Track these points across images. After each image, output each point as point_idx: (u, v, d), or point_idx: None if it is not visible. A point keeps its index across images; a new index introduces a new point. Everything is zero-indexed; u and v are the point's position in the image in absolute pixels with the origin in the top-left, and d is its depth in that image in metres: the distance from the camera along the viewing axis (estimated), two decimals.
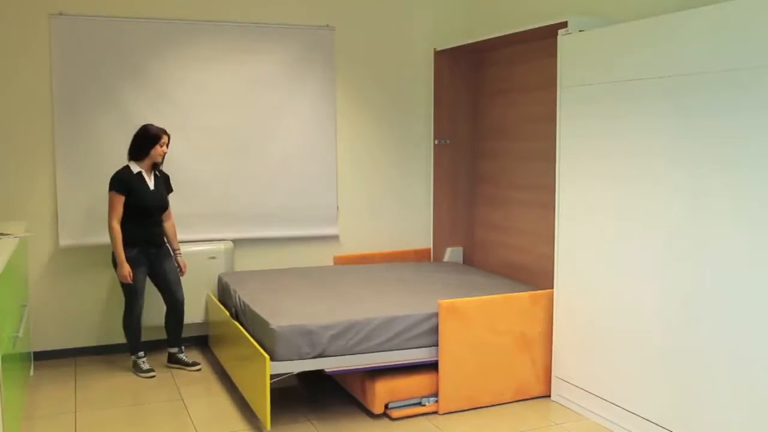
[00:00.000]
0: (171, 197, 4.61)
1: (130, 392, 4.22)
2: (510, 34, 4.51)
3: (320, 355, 3.65)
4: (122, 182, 4.31)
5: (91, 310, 4.94)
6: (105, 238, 4.82)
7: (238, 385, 4.14)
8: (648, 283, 3.44)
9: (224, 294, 4.62)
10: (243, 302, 4.14)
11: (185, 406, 4.03)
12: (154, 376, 4.44)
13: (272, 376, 3.56)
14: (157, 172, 4.49)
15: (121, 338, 5.00)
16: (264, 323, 3.68)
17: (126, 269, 4.30)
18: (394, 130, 5.61)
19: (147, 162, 4.41)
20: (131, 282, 4.34)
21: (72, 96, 4.73)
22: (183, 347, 4.70)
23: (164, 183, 4.55)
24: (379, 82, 5.53)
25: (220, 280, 4.78)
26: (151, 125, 4.43)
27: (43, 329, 4.83)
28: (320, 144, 5.33)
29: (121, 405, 4.04)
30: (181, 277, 4.61)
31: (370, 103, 5.52)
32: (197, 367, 4.61)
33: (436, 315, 3.87)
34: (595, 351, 3.79)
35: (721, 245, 3.07)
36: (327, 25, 5.32)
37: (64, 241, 4.76)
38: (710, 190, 3.11)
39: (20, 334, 3.51)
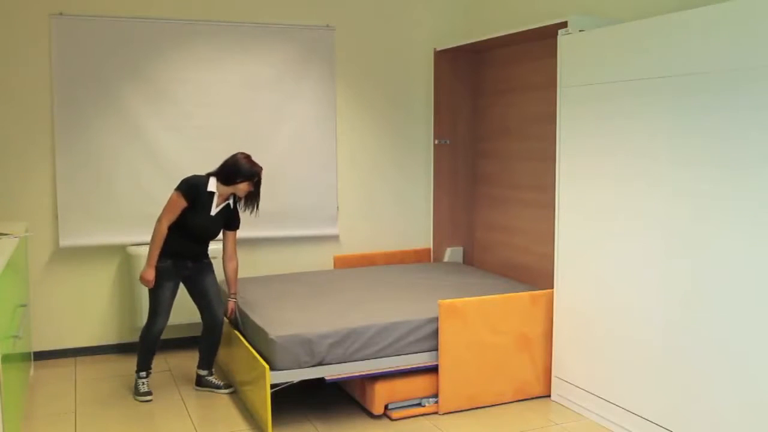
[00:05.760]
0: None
1: (130, 392, 4.22)
2: (510, 34, 4.51)
3: (320, 364, 3.65)
4: (192, 190, 3.95)
5: (91, 310, 4.94)
6: (105, 238, 4.83)
7: (239, 391, 4.15)
8: (648, 283, 3.44)
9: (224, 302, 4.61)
10: (242, 311, 4.14)
11: (185, 406, 4.03)
12: (150, 401, 4.07)
13: (272, 386, 3.56)
14: (230, 203, 4.09)
15: (121, 338, 5.02)
16: (263, 333, 3.68)
17: (150, 273, 3.94)
18: (394, 130, 5.61)
19: (229, 190, 4.03)
20: (152, 288, 4.00)
21: (72, 96, 4.73)
22: (213, 369, 4.32)
23: (230, 215, 4.13)
24: (379, 82, 5.53)
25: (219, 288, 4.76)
26: (246, 159, 4.00)
27: (43, 329, 4.83)
28: (320, 144, 5.33)
29: (121, 405, 4.04)
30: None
31: (370, 103, 5.53)
32: (231, 389, 4.22)
33: (435, 320, 3.87)
34: (595, 351, 3.79)
35: (721, 245, 3.07)
36: (327, 25, 5.32)
37: (64, 241, 4.76)
38: (710, 190, 3.11)
39: (20, 334, 3.51)
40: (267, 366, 3.53)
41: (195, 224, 4.02)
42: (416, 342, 3.84)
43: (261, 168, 4.05)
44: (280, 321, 3.81)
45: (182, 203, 3.96)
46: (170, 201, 3.97)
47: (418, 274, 4.93)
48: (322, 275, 4.99)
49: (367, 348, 3.74)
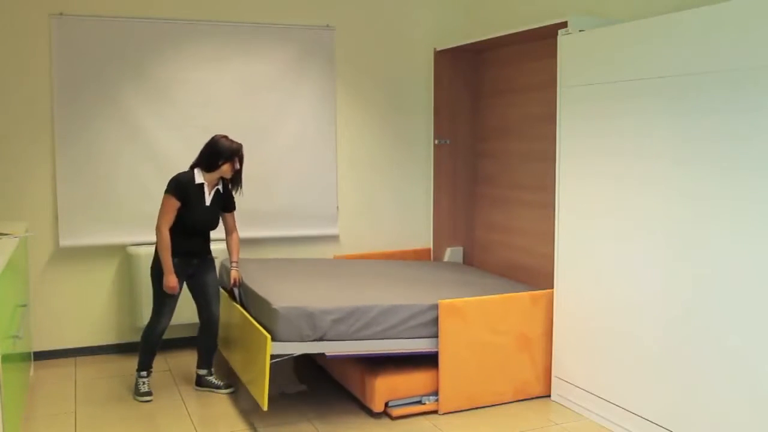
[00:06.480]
0: None
1: (130, 392, 4.22)
2: (510, 34, 4.51)
3: (321, 339, 3.65)
4: (181, 189, 3.94)
5: (91, 310, 4.94)
6: (105, 238, 4.83)
7: (236, 370, 4.12)
8: (648, 283, 3.44)
9: (226, 279, 4.59)
10: (245, 285, 4.12)
11: (185, 406, 4.03)
12: (150, 401, 4.07)
13: (272, 357, 3.54)
14: (220, 188, 4.10)
15: (121, 338, 5.02)
16: (266, 304, 3.68)
17: (173, 280, 3.92)
18: (394, 130, 5.61)
19: (215, 176, 4.04)
20: (158, 287, 3.99)
21: (72, 96, 4.73)
22: (212, 369, 4.31)
23: (223, 199, 4.14)
24: (379, 82, 5.53)
25: (222, 266, 4.73)
26: (224, 138, 4.01)
27: (43, 329, 4.83)
28: (320, 144, 5.33)
29: (121, 405, 4.04)
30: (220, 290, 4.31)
31: (370, 103, 5.53)
32: (231, 390, 4.22)
33: (437, 306, 3.88)
34: (595, 351, 3.79)
35: (720, 245, 3.07)
36: (327, 25, 5.32)
37: (64, 241, 4.76)
38: (710, 190, 3.11)
39: (20, 334, 3.51)
40: (269, 336, 3.52)
41: (194, 219, 4.02)
42: (417, 327, 3.84)
43: (240, 144, 4.06)
44: (284, 294, 3.82)
45: (175, 203, 3.95)
46: (163, 205, 3.96)
47: (419, 270, 4.93)
48: (325, 263, 4.99)
49: (369, 328, 3.74)
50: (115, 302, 4.98)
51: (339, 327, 3.67)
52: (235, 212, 4.27)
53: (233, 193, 4.19)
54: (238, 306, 4.12)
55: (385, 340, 3.78)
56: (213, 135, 4.09)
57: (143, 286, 4.75)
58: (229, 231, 4.25)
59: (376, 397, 3.78)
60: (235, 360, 4.17)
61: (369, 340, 3.75)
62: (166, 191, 3.97)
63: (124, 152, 4.85)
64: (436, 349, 3.87)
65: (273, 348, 3.54)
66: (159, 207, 4.02)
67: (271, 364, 3.53)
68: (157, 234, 3.96)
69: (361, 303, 3.76)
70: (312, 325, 3.62)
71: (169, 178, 4.14)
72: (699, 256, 3.17)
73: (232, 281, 4.22)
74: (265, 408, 3.54)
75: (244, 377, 3.95)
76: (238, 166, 4.06)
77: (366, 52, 5.48)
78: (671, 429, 3.35)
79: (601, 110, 3.68)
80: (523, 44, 4.87)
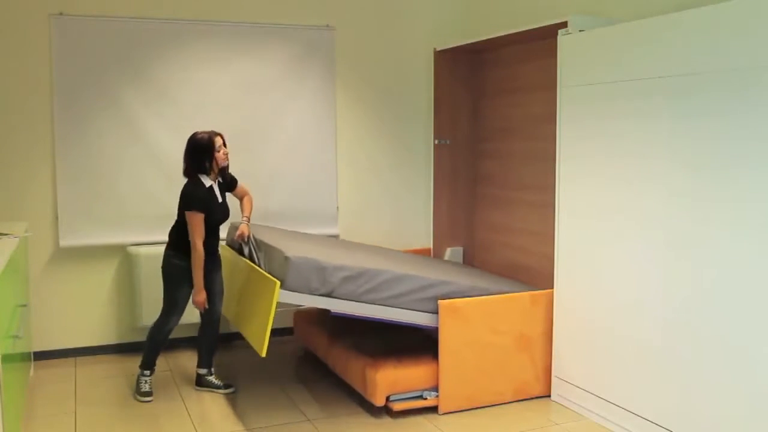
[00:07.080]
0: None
1: (130, 392, 4.22)
2: (510, 34, 4.51)
3: (328, 295, 3.66)
4: (202, 201, 3.94)
5: (91, 310, 4.94)
6: (105, 238, 4.83)
7: (236, 324, 4.07)
8: (648, 284, 3.44)
9: (232, 233, 4.54)
10: (257, 240, 4.11)
11: (185, 406, 4.03)
12: (150, 401, 4.08)
13: (279, 305, 3.52)
14: (220, 179, 4.12)
15: (121, 338, 5.02)
16: (278, 252, 3.68)
17: (203, 296, 3.97)
18: (394, 130, 5.61)
19: (214, 172, 4.06)
20: (172, 286, 4.03)
21: (72, 96, 4.73)
22: (213, 369, 4.34)
23: (225, 186, 4.20)
24: (379, 82, 5.54)
25: (232, 226, 4.64)
26: (199, 134, 4.00)
27: (43, 329, 4.83)
28: (320, 144, 5.34)
29: (121, 405, 4.04)
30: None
31: (369, 103, 5.53)
32: (231, 390, 4.24)
33: (444, 283, 3.91)
34: (595, 351, 3.79)
35: (720, 245, 3.07)
36: (327, 25, 5.32)
37: (64, 241, 4.76)
38: (710, 190, 3.11)
39: (20, 334, 3.51)
40: (278, 282, 3.51)
41: (216, 219, 4.06)
42: (422, 301, 3.86)
43: (211, 131, 4.02)
44: (297, 247, 3.84)
45: (202, 217, 3.94)
46: (193, 223, 3.91)
47: (424, 259, 4.94)
48: (337, 240, 5.01)
49: (377, 292, 3.75)
50: (115, 302, 4.99)
51: (348, 286, 3.69)
52: (230, 211, 4.26)
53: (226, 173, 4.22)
54: (245, 259, 4.11)
55: (389, 308, 3.80)
56: (187, 139, 4.04)
57: (143, 286, 4.75)
58: (242, 196, 4.30)
59: (377, 392, 3.79)
60: (236, 313, 4.12)
61: (374, 305, 3.76)
62: (191, 209, 3.91)
63: (124, 152, 4.85)
64: (436, 325, 3.88)
65: (280, 296, 3.52)
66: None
67: (275, 314, 3.49)
68: (192, 251, 3.92)
69: (372, 266, 3.79)
70: (322, 279, 3.63)
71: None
72: (699, 255, 3.17)
73: (239, 233, 4.18)
74: (263, 355, 3.50)
75: (244, 328, 3.91)
76: (226, 150, 4.06)
77: (366, 52, 5.48)
78: (671, 429, 3.35)
79: (601, 110, 3.69)
80: (523, 44, 4.87)
